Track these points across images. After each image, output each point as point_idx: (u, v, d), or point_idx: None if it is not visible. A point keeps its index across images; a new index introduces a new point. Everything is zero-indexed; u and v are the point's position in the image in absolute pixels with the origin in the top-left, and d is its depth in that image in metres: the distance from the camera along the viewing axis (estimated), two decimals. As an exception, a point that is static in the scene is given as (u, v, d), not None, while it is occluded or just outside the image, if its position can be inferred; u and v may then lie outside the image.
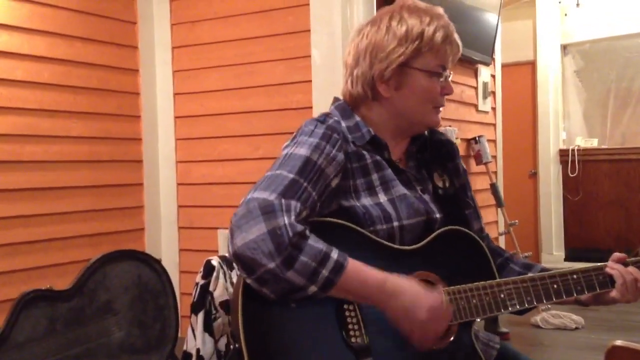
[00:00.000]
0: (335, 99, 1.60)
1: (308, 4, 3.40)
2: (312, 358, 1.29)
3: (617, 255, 1.53)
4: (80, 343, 2.54)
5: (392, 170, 1.50)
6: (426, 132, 1.62)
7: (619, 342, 1.58)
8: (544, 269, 1.57)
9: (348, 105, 1.56)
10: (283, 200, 1.27)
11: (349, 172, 1.45)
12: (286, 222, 1.24)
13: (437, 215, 1.51)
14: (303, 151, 1.38)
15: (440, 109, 1.57)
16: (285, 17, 3.50)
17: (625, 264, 1.51)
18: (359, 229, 1.40)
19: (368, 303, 1.31)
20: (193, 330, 1.57)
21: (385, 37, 1.49)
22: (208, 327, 1.56)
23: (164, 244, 3.91)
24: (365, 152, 1.49)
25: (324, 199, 1.37)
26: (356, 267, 1.28)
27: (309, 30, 3.40)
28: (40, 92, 3.30)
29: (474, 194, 1.70)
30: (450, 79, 1.56)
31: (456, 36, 1.53)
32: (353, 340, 1.31)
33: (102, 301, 2.63)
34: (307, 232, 1.26)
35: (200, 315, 1.56)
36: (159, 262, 2.83)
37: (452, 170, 1.63)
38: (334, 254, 1.26)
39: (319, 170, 1.36)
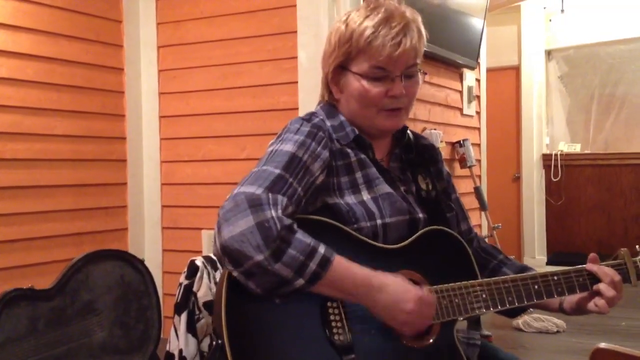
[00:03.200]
0: (320, 99, 1.62)
1: (295, 5, 3.40)
2: (295, 355, 1.29)
3: (593, 256, 1.53)
4: (62, 343, 2.52)
5: (376, 169, 1.51)
6: (410, 135, 1.62)
7: (603, 345, 1.59)
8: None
9: (333, 106, 1.57)
10: (270, 195, 1.28)
11: (334, 170, 1.46)
12: (274, 215, 1.25)
13: (420, 215, 1.52)
14: (289, 147, 1.39)
15: (400, 111, 1.50)
16: (272, 18, 3.50)
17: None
18: (342, 226, 1.40)
19: (353, 299, 1.32)
20: (176, 331, 1.56)
21: (329, 41, 1.54)
22: (191, 328, 1.55)
23: (147, 244, 3.89)
24: (349, 151, 1.50)
25: (308, 196, 1.38)
26: (343, 262, 1.29)
27: (296, 32, 3.40)
28: (24, 90, 3.27)
29: (459, 196, 1.71)
30: (404, 79, 1.48)
31: (395, 30, 1.44)
32: (336, 337, 1.31)
33: (84, 301, 2.61)
34: (295, 226, 1.27)
35: (184, 315, 1.56)
36: (142, 262, 2.81)
37: (435, 174, 1.64)
38: (322, 248, 1.27)
39: (304, 167, 1.37)
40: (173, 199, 3.84)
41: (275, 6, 3.48)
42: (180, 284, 1.58)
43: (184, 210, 3.80)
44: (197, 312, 1.56)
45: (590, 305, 1.50)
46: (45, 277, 2.83)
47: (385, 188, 1.49)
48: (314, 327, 1.31)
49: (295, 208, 1.33)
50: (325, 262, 1.26)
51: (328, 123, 1.52)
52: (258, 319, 1.28)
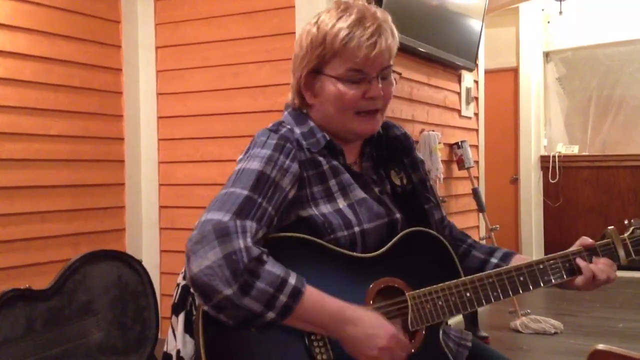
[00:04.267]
0: (287, 105, 1.57)
1: (293, 6, 3.40)
2: None
3: (586, 241, 1.50)
4: (59, 343, 2.51)
5: (349, 174, 1.47)
6: (381, 130, 1.57)
7: (601, 346, 1.59)
8: (507, 253, 1.57)
9: (301, 112, 1.53)
10: (238, 222, 1.25)
11: (305, 181, 1.41)
12: (241, 245, 1.22)
13: (398, 216, 1.49)
14: (255, 165, 1.35)
15: (376, 113, 1.47)
16: (271, 19, 3.50)
17: (595, 252, 1.49)
18: (318, 240, 1.36)
19: (325, 332, 1.29)
20: (173, 331, 1.56)
21: (300, 44, 1.48)
22: (189, 328, 1.54)
23: (145, 245, 3.89)
24: (321, 158, 1.45)
25: (281, 212, 1.35)
26: (315, 293, 1.26)
27: (294, 33, 3.40)
28: (22, 90, 3.27)
29: (433, 184, 1.66)
30: (381, 80, 1.45)
31: (369, 30, 1.40)
32: (319, 358, 1.30)
33: (82, 301, 2.61)
34: (265, 256, 1.24)
35: (181, 316, 1.55)
36: (139, 262, 2.81)
37: (409, 165, 1.59)
38: (292, 279, 1.24)
39: (273, 184, 1.33)
40: (171, 199, 3.84)
41: (274, 7, 3.48)
42: (178, 285, 1.58)
43: (182, 211, 3.80)
44: (194, 313, 1.56)
45: (572, 284, 1.48)
46: (43, 278, 2.83)
47: (360, 194, 1.45)
48: (296, 349, 1.29)
49: (267, 230, 1.30)
50: (297, 294, 1.23)
51: (297, 130, 1.47)
52: (238, 346, 1.26)
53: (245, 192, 1.30)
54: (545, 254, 7.18)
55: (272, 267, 1.23)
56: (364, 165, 1.55)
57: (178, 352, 1.54)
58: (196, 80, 3.72)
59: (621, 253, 1.50)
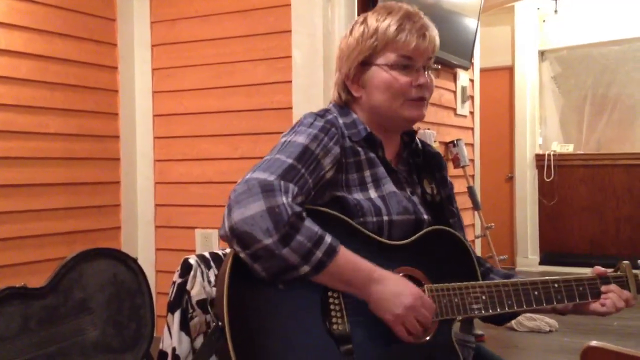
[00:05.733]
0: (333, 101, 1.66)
1: (289, 5, 3.40)
2: (293, 342, 1.30)
3: (599, 270, 1.57)
4: (54, 342, 2.51)
5: (384, 168, 1.54)
6: (418, 141, 1.66)
7: (594, 343, 1.60)
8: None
9: (345, 105, 1.60)
10: (282, 182, 1.31)
11: (343, 166, 1.48)
12: (284, 201, 1.27)
13: (425, 217, 1.54)
14: (302, 139, 1.42)
15: (424, 102, 1.56)
16: (266, 17, 3.50)
17: (607, 280, 1.56)
18: (348, 220, 1.42)
19: (353, 291, 1.34)
20: (169, 329, 1.56)
21: (348, 41, 1.57)
22: (184, 326, 1.55)
23: (141, 243, 3.88)
24: (360, 149, 1.52)
25: (317, 189, 1.41)
26: (347, 253, 1.32)
27: (290, 31, 3.40)
28: (17, 88, 3.26)
29: (458, 208, 1.74)
30: (426, 70, 1.55)
31: (418, 24, 1.53)
32: (335, 327, 1.33)
33: (77, 300, 2.61)
34: (304, 214, 1.30)
35: (177, 314, 1.56)
36: (135, 261, 2.80)
37: (439, 180, 1.68)
38: (328, 238, 1.30)
39: (315, 160, 1.40)
40: (166, 197, 3.83)
41: (270, 5, 3.48)
42: (174, 283, 1.58)
43: (178, 209, 3.79)
44: (190, 311, 1.56)
45: (595, 305, 1.54)
46: (38, 276, 2.82)
47: (392, 187, 1.52)
48: (313, 316, 1.33)
49: (305, 198, 1.35)
50: (331, 251, 1.29)
51: (341, 120, 1.55)
52: (259, 304, 1.30)
53: (290, 161, 1.36)
54: (540, 252, 7.21)
55: (311, 225, 1.29)
56: (399, 166, 1.62)
57: (174, 349, 1.55)
58: (192, 78, 3.72)
59: (633, 288, 1.58)
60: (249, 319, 1.28)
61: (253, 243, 1.24)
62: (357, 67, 1.55)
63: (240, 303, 1.28)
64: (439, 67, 1.65)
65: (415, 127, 1.67)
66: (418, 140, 1.67)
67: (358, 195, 1.47)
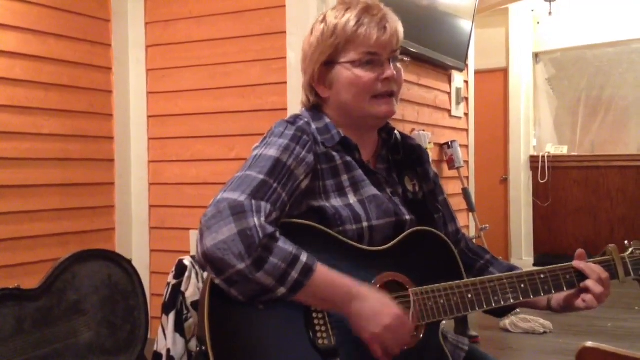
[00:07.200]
0: (304, 105, 1.62)
1: (284, 6, 3.40)
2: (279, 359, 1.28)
3: (580, 252, 1.53)
4: (48, 343, 2.50)
5: (362, 171, 1.50)
6: (398, 135, 1.61)
7: (589, 344, 1.60)
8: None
9: (317, 109, 1.56)
10: (253, 201, 1.27)
11: (319, 174, 1.44)
12: (256, 223, 1.24)
13: (407, 217, 1.51)
14: (272, 152, 1.38)
15: (393, 96, 1.51)
16: (261, 19, 3.50)
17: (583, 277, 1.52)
18: (327, 230, 1.39)
19: (333, 308, 1.31)
20: (164, 330, 1.56)
21: (310, 41, 1.54)
22: (179, 327, 1.55)
23: (135, 244, 3.87)
24: (335, 154, 1.48)
25: (293, 200, 1.37)
26: (324, 271, 1.28)
27: (285, 32, 3.40)
28: (12, 89, 3.25)
29: (447, 197, 1.71)
30: (392, 63, 1.49)
31: (378, 17, 1.47)
32: (320, 342, 1.31)
33: (71, 301, 2.60)
34: (277, 234, 1.26)
35: (171, 315, 1.55)
36: (129, 262, 2.80)
37: (421, 175, 1.63)
38: (303, 257, 1.26)
39: (288, 172, 1.36)
40: (161, 199, 3.83)
41: (265, 6, 3.48)
42: (168, 284, 1.58)
43: (172, 210, 3.79)
44: (185, 312, 1.56)
45: (579, 302, 1.49)
46: (32, 277, 2.82)
47: (372, 190, 1.48)
48: (297, 331, 1.30)
49: (279, 214, 1.32)
50: (308, 271, 1.25)
51: (313, 125, 1.50)
52: (241, 324, 1.27)
53: (262, 176, 1.33)
54: (535, 253, 7.22)
55: (285, 245, 1.26)
56: (378, 166, 1.58)
57: (168, 351, 1.54)
58: (186, 79, 3.72)
59: (620, 271, 1.55)
60: (232, 341, 1.26)
61: (227, 268, 1.21)
62: (321, 67, 1.51)
63: (223, 326, 1.26)
64: (408, 59, 1.60)
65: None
66: (397, 134, 1.62)
67: (337, 202, 1.43)
